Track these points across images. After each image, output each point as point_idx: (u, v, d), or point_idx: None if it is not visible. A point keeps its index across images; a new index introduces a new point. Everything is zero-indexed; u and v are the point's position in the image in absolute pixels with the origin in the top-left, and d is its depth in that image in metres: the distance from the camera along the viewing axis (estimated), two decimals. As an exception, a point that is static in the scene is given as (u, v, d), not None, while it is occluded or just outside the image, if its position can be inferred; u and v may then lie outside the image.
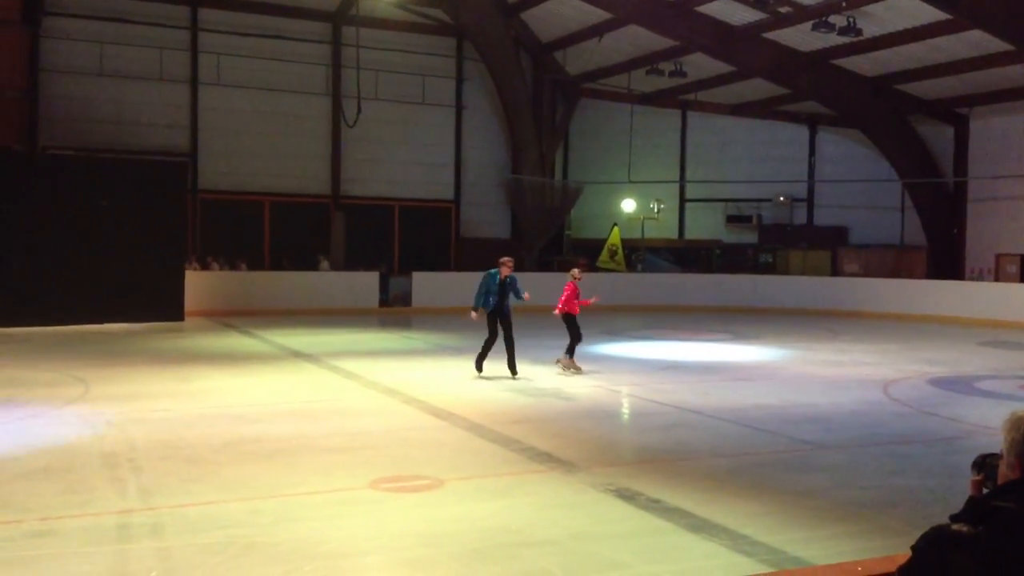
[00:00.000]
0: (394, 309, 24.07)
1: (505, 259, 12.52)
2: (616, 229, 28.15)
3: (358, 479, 6.97)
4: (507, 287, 12.31)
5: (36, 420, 9.03)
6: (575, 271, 13.42)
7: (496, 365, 12.45)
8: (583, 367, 13.02)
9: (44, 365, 12.92)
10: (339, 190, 26.84)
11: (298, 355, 14.72)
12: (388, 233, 27.62)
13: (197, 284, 20.94)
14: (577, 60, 27.94)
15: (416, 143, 27.81)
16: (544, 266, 27.68)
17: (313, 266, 24.78)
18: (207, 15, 25.13)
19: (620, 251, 27.87)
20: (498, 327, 12.32)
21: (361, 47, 24.09)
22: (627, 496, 6.63)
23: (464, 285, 24.93)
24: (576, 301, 13.02)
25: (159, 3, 24.53)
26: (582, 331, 13.08)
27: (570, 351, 12.81)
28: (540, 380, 12.31)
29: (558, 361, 12.90)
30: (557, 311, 12.95)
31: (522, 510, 6.27)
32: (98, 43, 23.90)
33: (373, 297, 23.93)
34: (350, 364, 13.57)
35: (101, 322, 18.38)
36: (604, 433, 9.26)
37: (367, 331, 19.50)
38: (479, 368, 12.40)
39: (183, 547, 5.37)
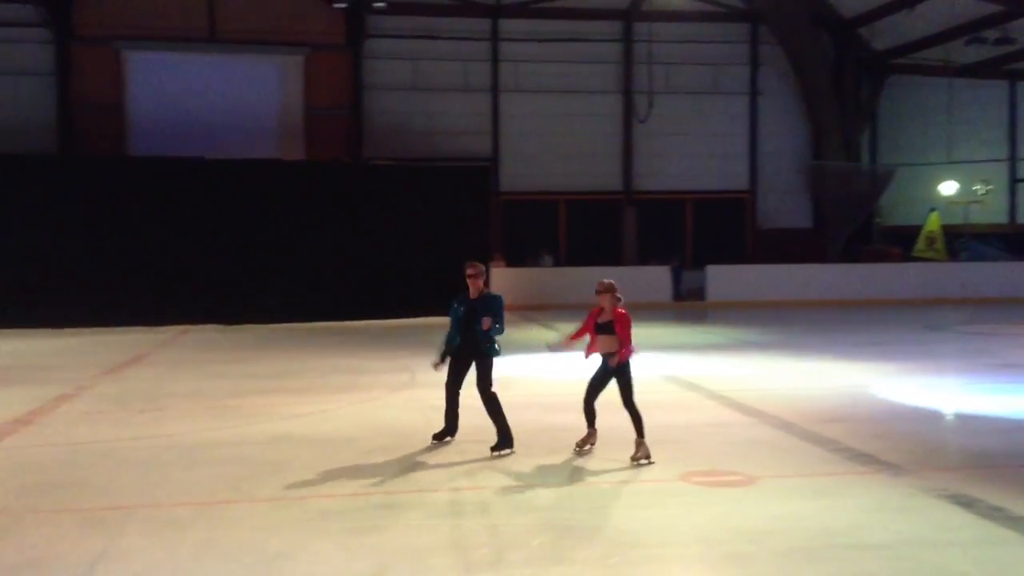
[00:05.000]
0: (687, 303, 23.85)
1: (470, 268, 7.68)
2: (934, 215, 25.91)
3: (668, 471, 6.98)
4: (479, 311, 7.55)
5: (374, 404, 9.99)
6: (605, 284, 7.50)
7: (788, 363, 11.86)
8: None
9: (375, 354, 14.27)
10: (631, 186, 27.08)
11: (598, 348, 15.01)
12: (680, 226, 27.44)
13: (500, 280, 22.11)
14: (885, 34, 26.04)
15: (708, 134, 27.35)
16: (852, 257, 26.09)
17: (613, 263, 25.24)
18: (507, 25, 26.42)
19: (940, 239, 25.59)
20: (460, 375, 7.76)
21: (652, 42, 24.14)
22: (964, 503, 6.07)
23: (762, 278, 24.36)
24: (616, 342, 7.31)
25: (463, 18, 26.16)
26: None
27: (639, 430, 7.27)
28: (850, 376, 11.60)
29: (633, 457, 7.21)
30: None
31: (846, 512, 5.93)
32: (411, 60, 25.99)
33: (665, 291, 23.88)
34: (648, 358, 13.60)
35: (418, 316, 19.96)
36: (931, 435, 8.54)
37: (662, 326, 19.45)
38: (440, 436, 7.92)
39: (509, 526, 5.67)
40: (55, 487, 6.64)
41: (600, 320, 7.41)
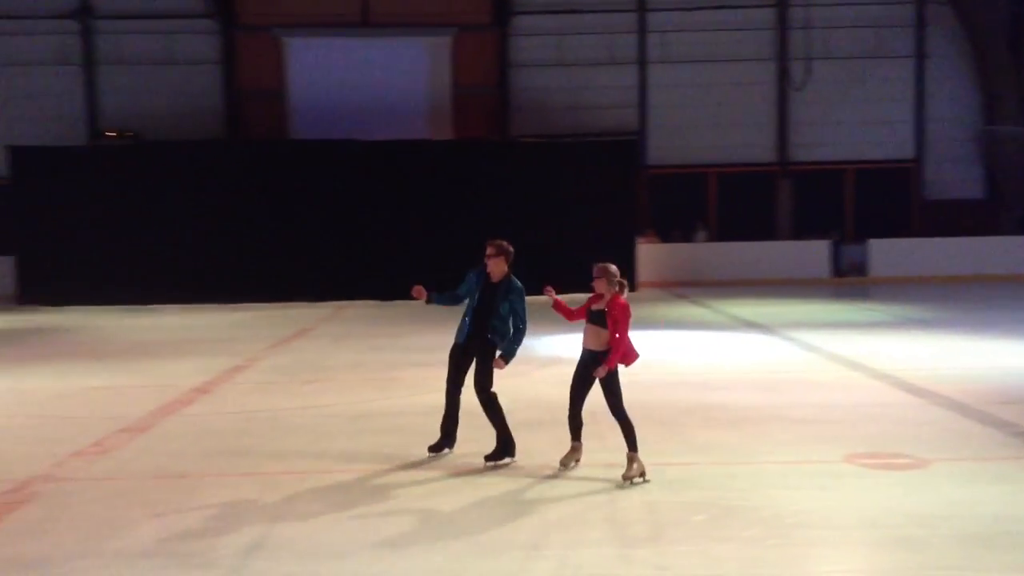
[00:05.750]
0: (848, 279, 22.88)
1: (491, 247, 7.08)
2: None
3: (831, 452, 6.75)
4: (497, 297, 6.91)
5: (522, 378, 10.03)
6: (609, 267, 6.44)
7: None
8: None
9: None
10: (786, 157, 26.12)
11: (751, 325, 14.64)
12: (839, 198, 26.26)
13: (648, 256, 21.88)
14: (1070, -14, 23.93)
15: (870, 101, 25.96)
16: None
17: (765, 237, 24.52)
18: (654, -6, 25.90)
19: None
20: (461, 372, 6.92)
21: (809, 5, 23.13)
22: None
23: (930, 252, 23.02)
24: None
25: (609, -10, 25.85)
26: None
27: (631, 443, 6.22)
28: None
29: (625, 475, 6.10)
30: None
31: (1029, 499, 5.57)
32: (556, 36, 25.89)
33: (823, 267, 23.02)
34: (807, 335, 13.16)
35: (566, 292, 19.94)
36: (1126, 420, 7.86)
37: (820, 302, 18.73)
38: (438, 448, 6.97)
39: (667, 503, 5.63)
40: (232, 452, 7.09)
41: (594, 307, 6.31)
